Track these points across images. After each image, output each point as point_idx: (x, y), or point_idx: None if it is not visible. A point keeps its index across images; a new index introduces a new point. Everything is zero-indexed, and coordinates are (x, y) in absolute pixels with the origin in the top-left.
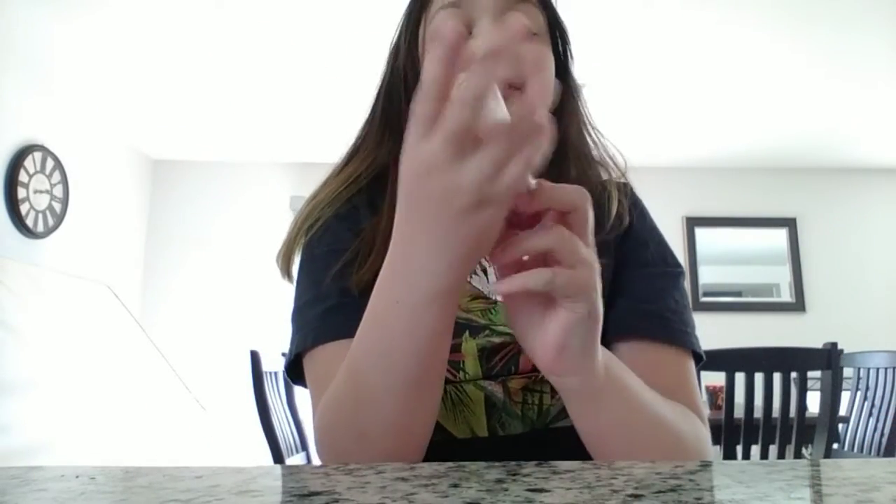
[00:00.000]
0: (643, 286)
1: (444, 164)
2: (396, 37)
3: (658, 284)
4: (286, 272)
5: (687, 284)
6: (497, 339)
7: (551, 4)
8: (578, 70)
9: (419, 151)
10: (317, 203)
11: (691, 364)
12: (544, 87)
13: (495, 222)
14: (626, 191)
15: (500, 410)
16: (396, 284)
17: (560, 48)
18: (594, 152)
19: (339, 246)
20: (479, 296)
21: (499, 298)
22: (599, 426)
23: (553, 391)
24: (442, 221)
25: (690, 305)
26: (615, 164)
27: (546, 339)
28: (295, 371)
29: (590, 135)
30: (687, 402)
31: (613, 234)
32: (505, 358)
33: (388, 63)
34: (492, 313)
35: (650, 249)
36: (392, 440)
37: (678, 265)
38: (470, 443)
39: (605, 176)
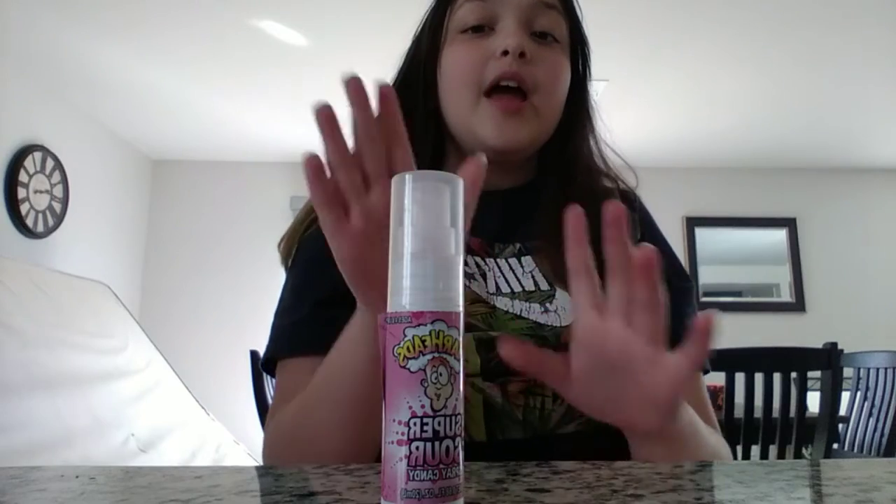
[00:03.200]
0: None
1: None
2: (419, 31)
3: (675, 300)
4: (285, 259)
5: None
6: (495, 334)
7: (577, 17)
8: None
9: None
10: None
11: (703, 379)
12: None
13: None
14: (634, 200)
15: (499, 414)
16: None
17: (580, 64)
18: (603, 167)
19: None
20: (478, 300)
21: (497, 304)
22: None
23: (555, 395)
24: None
25: None
26: (624, 179)
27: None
28: (270, 365)
29: (600, 150)
30: (706, 417)
31: None
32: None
33: (407, 56)
34: (492, 318)
35: (664, 263)
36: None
37: (689, 279)
38: (468, 448)
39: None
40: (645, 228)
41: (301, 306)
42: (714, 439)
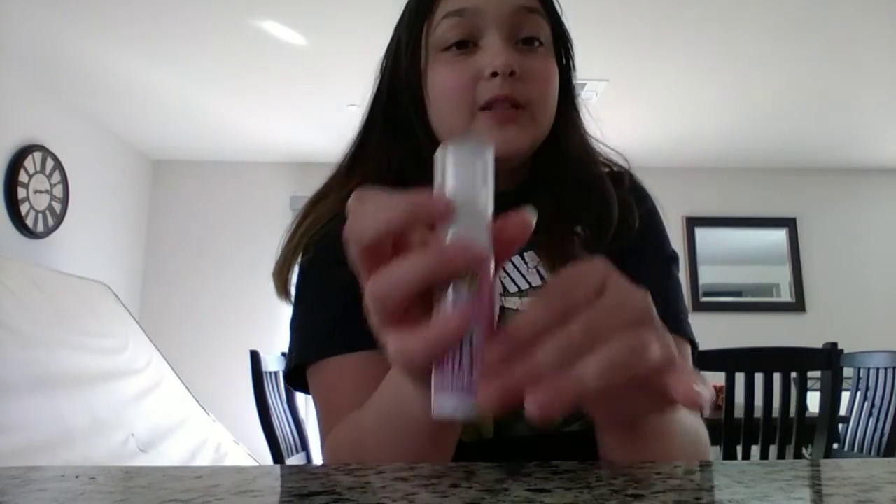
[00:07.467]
0: (643, 274)
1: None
2: (395, 44)
3: (655, 272)
4: (283, 290)
5: (687, 284)
6: None
7: (558, 15)
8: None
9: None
10: (315, 220)
11: (689, 350)
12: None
13: None
14: (624, 180)
15: (506, 413)
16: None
17: (564, 59)
18: (593, 158)
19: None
20: None
21: (505, 305)
22: (632, 455)
23: None
24: None
25: (683, 292)
26: (614, 161)
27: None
28: (294, 376)
29: (588, 142)
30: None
31: (616, 245)
32: None
33: (387, 70)
34: (500, 321)
35: (649, 237)
36: None
37: (673, 251)
38: (476, 446)
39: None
40: (641, 209)
41: (332, 307)
42: (696, 425)
